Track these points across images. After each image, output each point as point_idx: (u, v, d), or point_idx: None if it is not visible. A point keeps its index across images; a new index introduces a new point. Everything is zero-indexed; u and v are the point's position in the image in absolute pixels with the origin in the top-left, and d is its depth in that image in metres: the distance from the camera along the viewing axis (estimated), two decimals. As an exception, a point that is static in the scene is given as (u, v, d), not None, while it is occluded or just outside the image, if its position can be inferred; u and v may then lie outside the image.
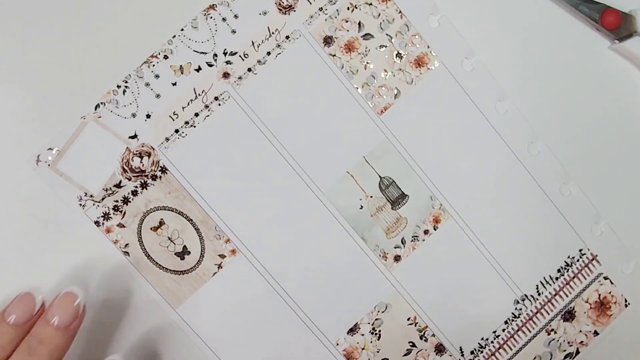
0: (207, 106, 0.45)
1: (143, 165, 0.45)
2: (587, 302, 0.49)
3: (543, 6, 0.48)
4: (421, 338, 0.48)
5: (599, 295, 0.49)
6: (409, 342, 0.48)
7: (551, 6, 0.48)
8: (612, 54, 0.49)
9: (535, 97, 0.48)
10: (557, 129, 0.49)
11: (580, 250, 0.49)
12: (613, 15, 0.46)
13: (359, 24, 0.47)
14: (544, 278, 0.49)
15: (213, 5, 0.45)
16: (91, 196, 0.45)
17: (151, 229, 0.45)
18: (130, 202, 0.45)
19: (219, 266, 0.46)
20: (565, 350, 0.49)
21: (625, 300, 0.49)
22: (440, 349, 0.48)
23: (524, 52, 0.48)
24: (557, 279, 0.49)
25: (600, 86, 0.49)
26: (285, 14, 0.46)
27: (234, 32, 0.45)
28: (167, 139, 0.45)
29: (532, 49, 0.48)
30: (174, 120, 0.45)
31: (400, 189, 0.47)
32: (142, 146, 0.45)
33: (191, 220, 0.46)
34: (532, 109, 0.48)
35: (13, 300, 0.39)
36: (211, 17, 0.45)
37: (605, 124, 0.49)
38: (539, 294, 0.49)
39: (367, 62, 0.47)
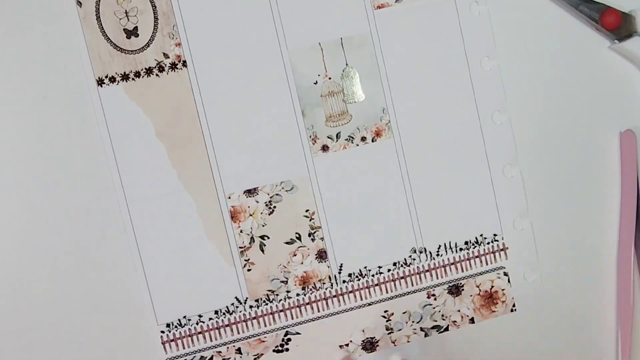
0: None
1: None
2: (478, 286, 0.48)
3: (543, 6, 0.48)
4: (309, 235, 0.46)
5: (492, 287, 0.48)
6: (296, 233, 0.46)
7: (551, 6, 0.48)
8: (612, 54, 0.48)
9: (534, 96, 0.48)
10: (556, 129, 0.48)
11: (495, 235, 0.48)
12: (613, 15, 0.46)
13: None
14: (449, 243, 0.47)
15: None
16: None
17: (114, -6, 0.44)
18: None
19: (159, 65, 0.44)
20: (436, 321, 0.47)
21: (514, 305, 0.48)
22: (322, 255, 0.46)
23: (524, 52, 0.48)
24: (461, 249, 0.47)
25: (600, 86, 0.48)
26: None
27: None
28: None
29: (532, 48, 0.48)
30: None
31: (359, 86, 0.45)
32: None
33: (155, 6, 0.44)
34: (531, 109, 0.48)
35: None
36: None
37: (605, 124, 0.49)
38: (438, 254, 0.47)
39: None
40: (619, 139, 0.49)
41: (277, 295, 0.46)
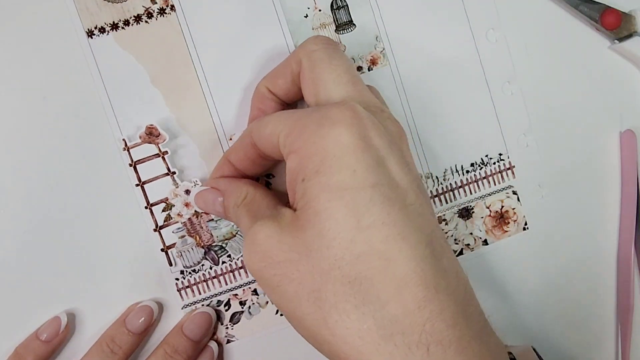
0: None
1: None
2: (488, 207, 0.48)
3: (543, 6, 0.48)
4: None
5: (502, 207, 0.48)
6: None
7: (551, 6, 0.48)
8: (612, 54, 0.49)
9: (534, 97, 0.48)
10: (556, 129, 0.48)
11: (500, 154, 0.47)
12: (613, 15, 0.46)
13: None
14: (455, 166, 0.47)
15: None
16: None
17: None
18: None
19: (147, 11, 0.43)
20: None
21: (525, 224, 0.48)
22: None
23: (524, 52, 0.48)
24: (467, 172, 0.47)
25: (600, 86, 0.49)
26: None
27: None
28: None
29: (532, 49, 0.48)
30: None
31: (350, 15, 0.45)
32: None
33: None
34: (531, 109, 0.48)
35: (134, 309, 0.43)
36: None
37: (605, 124, 0.49)
38: (445, 179, 0.47)
39: None
40: (619, 139, 0.49)
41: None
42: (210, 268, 0.45)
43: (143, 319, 0.43)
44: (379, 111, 0.36)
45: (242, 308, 0.46)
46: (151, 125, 0.42)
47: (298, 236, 0.32)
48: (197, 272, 0.45)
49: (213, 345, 0.45)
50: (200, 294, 0.45)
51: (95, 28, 0.43)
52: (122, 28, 0.43)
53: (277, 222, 0.34)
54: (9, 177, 0.43)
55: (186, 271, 0.45)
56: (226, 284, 0.45)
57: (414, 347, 0.30)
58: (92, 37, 0.43)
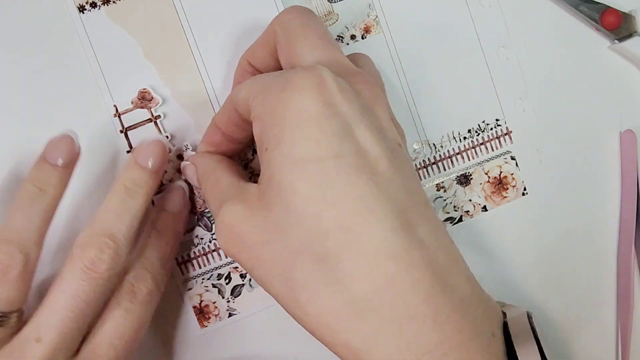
0: None
1: None
2: (486, 174, 0.47)
3: (543, 6, 0.47)
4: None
5: (501, 172, 0.47)
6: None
7: (551, 6, 0.48)
8: (612, 54, 0.48)
9: (534, 97, 0.48)
10: (556, 129, 0.48)
11: (497, 120, 0.47)
12: (613, 15, 0.46)
13: None
14: (452, 132, 0.47)
15: None
16: None
17: None
18: None
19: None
20: (448, 212, 0.47)
21: (524, 189, 0.48)
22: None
23: (523, 52, 0.47)
24: (464, 138, 0.47)
25: (600, 86, 0.48)
26: None
27: None
28: None
29: (532, 48, 0.47)
30: None
31: (342, -17, 0.45)
32: None
33: None
34: (531, 109, 0.48)
35: (51, 141, 0.39)
36: None
37: (605, 124, 0.49)
38: (442, 147, 0.47)
39: None
40: (619, 139, 0.48)
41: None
42: (210, 241, 0.45)
43: (64, 148, 0.38)
44: (354, 74, 0.35)
45: (243, 281, 0.46)
46: (144, 89, 0.42)
47: (267, 216, 0.32)
48: (197, 245, 0.45)
49: (182, 183, 0.43)
50: (200, 267, 0.45)
51: (87, 3, 0.43)
52: (114, 2, 0.43)
53: (242, 202, 0.33)
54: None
55: (185, 243, 0.44)
56: (226, 257, 0.45)
57: (385, 325, 0.30)
58: (83, 12, 0.43)
